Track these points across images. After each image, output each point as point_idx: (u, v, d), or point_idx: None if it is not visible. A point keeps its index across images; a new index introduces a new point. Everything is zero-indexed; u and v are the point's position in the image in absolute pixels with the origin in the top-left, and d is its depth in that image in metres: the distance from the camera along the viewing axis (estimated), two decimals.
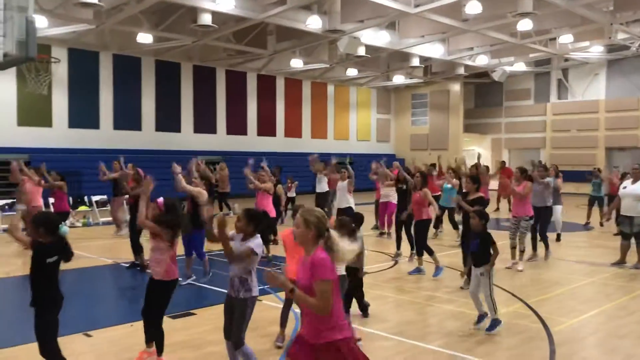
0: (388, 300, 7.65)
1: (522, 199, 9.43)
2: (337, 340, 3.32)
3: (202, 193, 8.40)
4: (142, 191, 5.28)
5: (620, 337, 6.13)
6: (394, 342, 5.89)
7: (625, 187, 9.82)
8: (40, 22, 16.25)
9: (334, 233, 3.43)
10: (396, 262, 10.25)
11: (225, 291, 7.68)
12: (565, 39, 22.67)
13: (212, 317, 6.77)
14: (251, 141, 26.83)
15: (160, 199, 5.26)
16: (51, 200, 12.04)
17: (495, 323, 6.18)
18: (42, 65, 16.58)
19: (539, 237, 10.41)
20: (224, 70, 25.91)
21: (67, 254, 4.48)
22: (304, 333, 3.45)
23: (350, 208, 11.75)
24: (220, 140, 25.70)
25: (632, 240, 9.74)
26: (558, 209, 12.00)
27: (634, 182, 9.70)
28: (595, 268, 9.89)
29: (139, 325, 5.55)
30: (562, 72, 29.41)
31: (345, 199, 11.95)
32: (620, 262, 9.90)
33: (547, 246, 10.42)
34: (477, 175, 9.05)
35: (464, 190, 8.88)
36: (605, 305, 7.44)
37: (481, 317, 6.36)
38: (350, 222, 5.80)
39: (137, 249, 9.41)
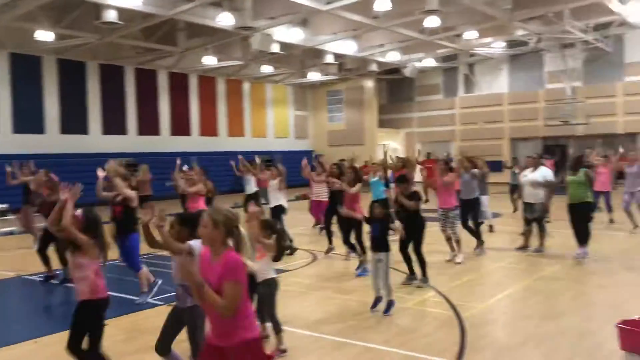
0: (307, 298, 7.65)
1: (447, 189, 9.66)
2: (248, 340, 3.27)
3: (133, 194, 7.91)
4: (72, 195, 4.63)
5: (525, 317, 6.47)
6: (312, 339, 5.88)
7: (525, 176, 10.38)
8: None
9: (242, 231, 3.37)
10: (315, 258, 10.30)
11: (135, 297, 7.50)
12: (470, 35, 23.69)
13: (127, 326, 6.49)
14: (165, 141, 26.05)
15: (79, 212, 4.65)
16: None
17: (390, 304, 6.55)
18: None
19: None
20: (133, 68, 24.98)
21: None
22: (213, 337, 3.36)
23: (281, 206, 11.62)
24: (132, 142, 24.76)
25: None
26: (484, 199, 12.36)
27: (533, 170, 10.25)
28: (503, 253, 10.40)
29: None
30: (469, 67, 30.74)
31: (276, 197, 11.79)
32: (524, 247, 10.46)
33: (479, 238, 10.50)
34: (406, 175, 9.19)
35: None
36: (512, 288, 7.83)
37: (376, 301, 6.68)
38: (276, 224, 5.65)
39: (46, 259, 8.85)
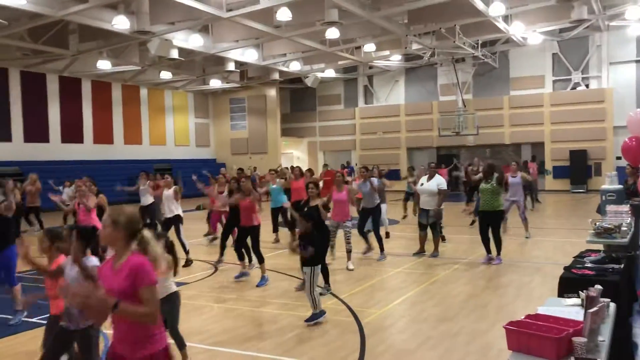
0: (206, 310, 7.46)
1: (341, 202, 9.84)
2: (157, 352, 3.11)
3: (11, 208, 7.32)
4: None
5: (422, 320, 6.71)
6: (211, 353, 5.74)
7: (422, 184, 10.85)
8: None
9: (147, 234, 3.19)
10: (216, 269, 10.09)
11: (29, 319, 6.95)
12: (369, 47, 24.46)
13: (6, 349, 5.99)
14: (55, 149, 24.54)
15: None
16: None
17: (315, 316, 6.50)
18: None
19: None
20: (18, 71, 23.32)
21: None
22: (119, 349, 3.14)
23: (178, 216, 11.26)
24: (17, 149, 23.07)
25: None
26: (383, 207, 12.77)
27: (429, 179, 10.74)
28: (401, 259, 10.75)
29: None
30: (368, 78, 31.69)
31: (173, 207, 11.38)
32: (420, 252, 10.90)
33: (381, 245, 10.80)
34: (318, 182, 9.26)
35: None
36: (410, 293, 8.10)
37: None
38: (166, 236, 5.47)
39: None
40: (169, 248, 5.13)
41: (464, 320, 6.67)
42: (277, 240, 13.01)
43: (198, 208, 20.66)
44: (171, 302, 5.13)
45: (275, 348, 5.84)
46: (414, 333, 6.25)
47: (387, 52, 26.07)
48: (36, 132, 23.93)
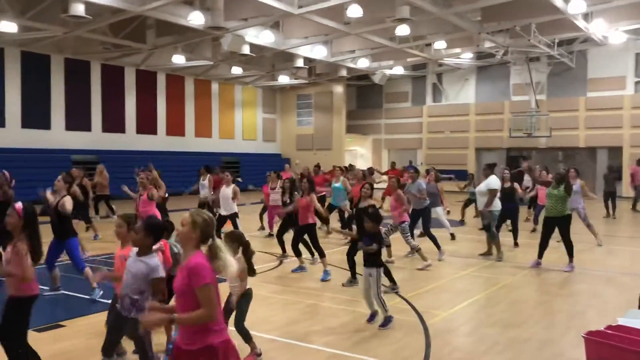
0: (272, 301, 7.59)
1: (400, 206, 9.81)
2: (212, 345, 3.23)
3: (67, 202, 7.79)
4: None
5: (489, 325, 6.56)
6: (279, 344, 5.84)
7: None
8: None
9: (220, 242, 3.33)
10: (281, 262, 10.25)
11: (102, 300, 7.33)
12: (439, 45, 24.02)
13: (84, 327, 6.33)
14: (130, 139, 25.61)
15: (19, 204, 4.57)
16: None
17: (388, 320, 6.38)
18: None
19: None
20: (99, 64, 24.47)
21: None
22: (183, 342, 3.31)
23: (235, 214, 11.54)
24: (96, 138, 24.25)
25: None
26: (439, 211, 12.65)
27: (483, 180, 10.95)
28: (466, 261, 10.55)
29: None
30: (437, 76, 31.18)
31: (229, 205, 11.65)
32: (486, 253, 10.79)
33: (436, 244, 10.67)
34: (371, 183, 9.30)
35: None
36: (476, 296, 7.93)
37: (372, 315, 6.54)
38: (242, 237, 5.39)
39: None
40: (245, 248, 5.20)
41: (533, 327, 6.47)
42: (328, 232, 13.21)
43: (263, 201, 21.02)
44: (245, 298, 5.31)
45: (340, 343, 5.86)
46: (481, 337, 6.12)
47: (458, 50, 25.54)
48: (113, 122, 25.06)
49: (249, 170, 27.28)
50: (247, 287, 5.39)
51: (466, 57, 27.42)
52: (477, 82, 30.10)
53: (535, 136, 26.81)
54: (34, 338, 5.82)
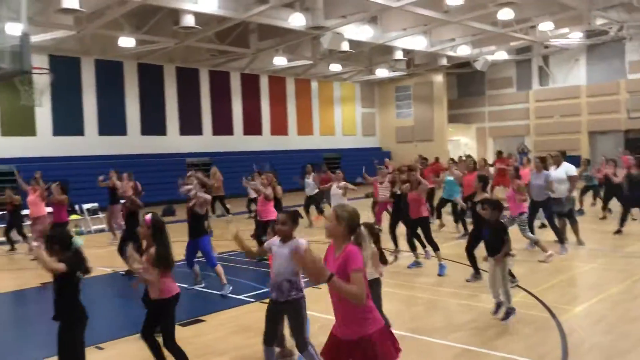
0: (393, 297, 7.67)
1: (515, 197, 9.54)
2: (370, 334, 3.38)
3: (206, 200, 8.38)
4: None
5: (629, 321, 6.23)
6: (407, 340, 5.91)
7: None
8: (18, 30, 15.98)
9: (364, 231, 3.49)
10: (395, 258, 10.29)
11: (233, 295, 7.78)
12: (545, 26, 22.86)
13: (223, 322, 6.76)
14: (238, 141, 26.72)
15: (148, 217, 4.96)
16: (49, 209, 11.85)
17: (509, 312, 6.24)
18: (27, 76, 16.30)
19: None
20: (207, 70, 25.73)
21: (86, 268, 4.45)
22: (336, 331, 3.50)
23: None
24: (207, 142, 25.55)
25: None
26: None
27: (557, 167, 10.53)
28: (592, 252, 10.04)
29: None
30: (543, 59, 29.68)
31: (340, 201, 11.89)
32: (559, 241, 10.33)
33: (559, 237, 10.29)
34: (485, 175, 9.08)
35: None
36: (610, 290, 7.54)
37: (498, 306, 6.43)
38: (373, 227, 5.50)
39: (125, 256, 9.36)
40: (376, 239, 5.37)
41: None
42: (442, 225, 13.02)
43: (367, 196, 21.14)
44: (375, 287, 5.41)
45: (469, 339, 5.83)
46: (623, 334, 5.83)
47: (566, 30, 24.17)
48: (222, 125, 26.27)
49: (350, 165, 27.51)
50: (377, 276, 5.54)
51: (575, 36, 25.89)
52: (587, 62, 28.31)
53: None
54: (180, 332, 6.30)
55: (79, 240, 4.44)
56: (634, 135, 26.66)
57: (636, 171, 11.34)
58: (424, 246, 9.56)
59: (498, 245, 6.33)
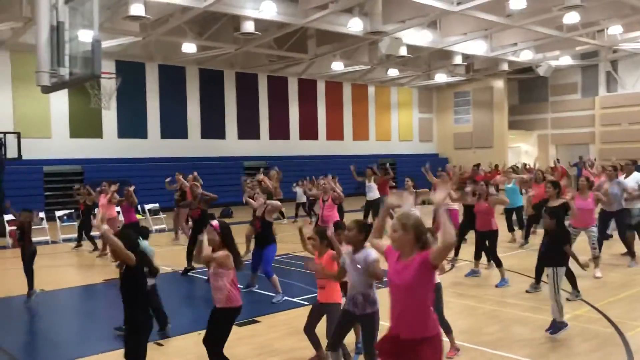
0: (450, 306, 7.53)
1: (592, 210, 9.10)
2: (433, 336, 3.50)
3: (276, 206, 8.45)
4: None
5: None
6: (466, 350, 5.80)
7: (619, 182, 10.08)
8: (89, 37, 16.79)
9: (431, 238, 3.57)
10: (452, 266, 10.12)
11: (288, 298, 7.86)
12: (614, 30, 21.95)
13: (277, 323, 6.84)
14: (294, 145, 27.00)
15: (215, 222, 4.97)
16: (117, 209, 12.36)
17: (558, 326, 5.98)
18: (96, 80, 17.05)
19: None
20: (265, 76, 26.15)
21: (153, 269, 4.55)
22: (397, 331, 3.53)
23: None
24: (264, 145, 25.94)
25: None
26: None
27: (626, 176, 10.20)
28: None
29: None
30: (611, 64, 28.51)
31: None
32: (628, 254, 9.93)
33: (630, 250, 9.93)
34: (558, 181, 8.74)
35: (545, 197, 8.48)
36: None
37: (554, 320, 6.19)
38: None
39: (191, 257, 9.60)
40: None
41: None
42: (513, 240, 12.49)
43: (424, 202, 20.87)
44: (435, 293, 5.40)
45: (530, 352, 5.66)
46: None
47: (637, 34, 23.12)
48: (279, 130, 26.62)
49: (406, 172, 27.22)
50: (438, 281, 5.46)
51: None
52: None
53: None
54: (236, 331, 6.42)
55: (144, 243, 4.57)
56: None
57: None
58: (488, 260, 9.33)
59: (555, 257, 6.07)
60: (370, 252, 4.47)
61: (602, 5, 18.85)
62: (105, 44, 18.85)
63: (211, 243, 4.88)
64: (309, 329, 5.28)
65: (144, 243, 4.58)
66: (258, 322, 6.91)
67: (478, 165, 25.62)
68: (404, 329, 3.50)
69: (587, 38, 22.79)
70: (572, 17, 18.48)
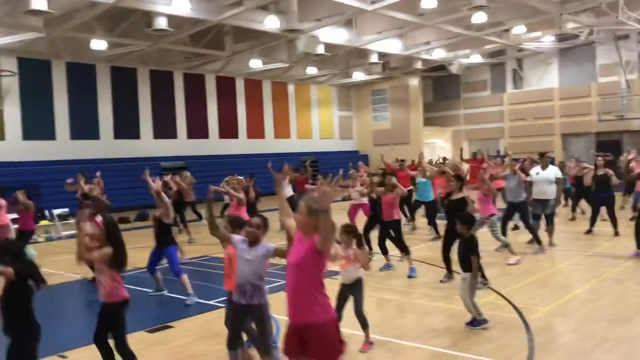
0: (366, 300, 7.63)
1: (486, 197, 9.51)
2: (328, 321, 3.58)
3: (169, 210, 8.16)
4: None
5: (594, 320, 6.29)
6: (377, 342, 5.88)
7: (537, 173, 10.50)
8: None
9: (335, 223, 3.69)
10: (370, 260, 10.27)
11: (203, 301, 7.68)
12: (518, 29, 23.17)
13: (191, 327, 6.66)
14: (213, 144, 26.51)
15: (99, 218, 4.83)
16: (14, 215, 11.58)
17: (479, 322, 6.16)
18: None
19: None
20: (181, 73, 25.50)
21: (39, 281, 4.32)
22: (291, 316, 3.62)
23: None
24: (182, 145, 25.30)
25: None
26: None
27: (543, 168, 10.53)
28: (563, 253, 10.15)
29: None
30: (517, 62, 30.06)
31: None
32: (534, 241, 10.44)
33: (536, 238, 10.34)
34: (461, 175, 9.08)
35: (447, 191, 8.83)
36: (577, 290, 7.63)
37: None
38: (356, 229, 5.79)
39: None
40: (358, 241, 5.62)
41: None
42: (413, 228, 13.09)
43: (344, 199, 21.15)
44: (358, 286, 5.63)
45: (438, 341, 5.83)
46: (588, 333, 5.89)
47: (538, 34, 24.55)
48: (198, 129, 26.05)
49: (328, 169, 27.49)
50: (360, 276, 5.68)
51: (547, 40, 26.28)
52: (560, 65, 28.75)
53: (628, 118, 25.27)
54: (147, 338, 6.23)
55: (31, 251, 4.33)
56: (604, 138, 27.14)
57: (602, 172, 11.57)
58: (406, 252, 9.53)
59: (468, 261, 6.25)
60: (269, 243, 4.63)
61: (507, 6, 19.81)
62: (5, 40, 17.74)
63: (94, 239, 4.72)
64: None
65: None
66: (171, 327, 6.70)
67: (402, 160, 26.22)
68: (295, 313, 3.58)
69: (495, 37, 23.90)
70: (479, 17, 19.28)
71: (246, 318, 4.78)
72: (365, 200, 11.42)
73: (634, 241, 9.51)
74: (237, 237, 4.69)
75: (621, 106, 25.27)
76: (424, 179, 12.88)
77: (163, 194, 8.13)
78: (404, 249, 9.05)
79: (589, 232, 11.95)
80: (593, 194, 12.39)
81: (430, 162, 17.41)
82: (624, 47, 25.57)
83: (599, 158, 12.22)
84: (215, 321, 6.84)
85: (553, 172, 10.56)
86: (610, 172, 11.93)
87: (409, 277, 8.74)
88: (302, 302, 3.54)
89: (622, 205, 14.91)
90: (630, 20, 21.44)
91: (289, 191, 14.96)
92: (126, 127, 23.51)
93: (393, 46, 24.39)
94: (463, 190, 8.32)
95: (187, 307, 7.54)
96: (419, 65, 27.47)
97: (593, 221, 11.96)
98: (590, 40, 25.83)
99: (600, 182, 11.75)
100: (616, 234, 11.48)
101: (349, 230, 5.66)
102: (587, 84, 27.60)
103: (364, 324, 5.65)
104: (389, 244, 9.32)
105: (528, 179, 10.51)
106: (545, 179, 10.43)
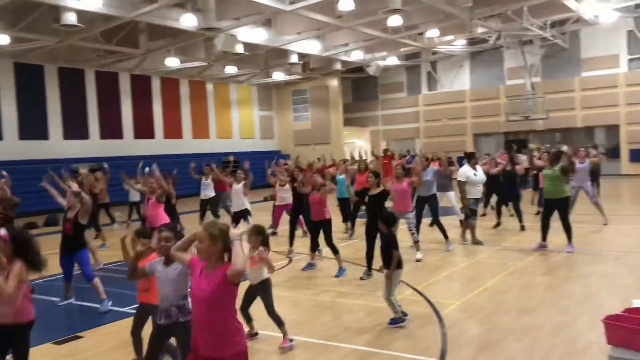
0: (285, 300, 7.63)
1: (402, 194, 9.70)
2: (240, 352, 3.37)
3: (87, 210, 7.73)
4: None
5: (503, 312, 6.61)
6: (296, 343, 5.87)
7: (475, 174, 10.94)
8: None
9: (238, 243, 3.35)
10: (290, 260, 10.29)
11: (117, 308, 7.37)
12: (432, 33, 24.02)
13: (103, 337, 6.37)
14: (128, 145, 25.61)
15: (3, 232, 4.15)
16: None
17: (397, 320, 6.24)
18: None
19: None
20: (93, 71, 24.44)
21: None
22: (204, 349, 3.36)
23: (246, 210, 11.70)
24: (94, 146, 24.24)
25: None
26: (451, 195, 12.45)
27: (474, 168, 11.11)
28: (474, 248, 10.60)
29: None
30: (431, 64, 31.16)
31: (241, 201, 11.80)
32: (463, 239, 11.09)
33: (444, 233, 10.61)
34: (378, 172, 9.22)
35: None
36: (487, 284, 7.98)
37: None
38: (264, 231, 5.79)
39: None
40: (265, 242, 5.63)
41: (547, 312, 6.53)
42: (348, 230, 13.04)
43: (265, 199, 21.06)
44: (265, 287, 5.67)
45: (357, 339, 5.91)
46: (496, 325, 6.17)
47: (451, 37, 25.56)
48: (111, 129, 25.06)
49: (249, 169, 27.29)
50: (267, 276, 5.73)
51: (459, 44, 27.44)
52: (471, 68, 30.12)
53: (533, 119, 26.86)
54: (53, 351, 5.89)
55: None
56: (512, 137, 28.69)
57: (508, 168, 12.22)
58: (316, 247, 9.54)
59: (389, 259, 6.34)
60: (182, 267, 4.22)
61: (421, 10, 20.46)
62: None
63: (3, 252, 4.09)
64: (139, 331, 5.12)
65: None
66: (81, 337, 6.37)
67: (319, 159, 26.32)
68: (209, 347, 3.32)
69: (410, 40, 24.63)
70: (395, 20, 19.77)
71: (169, 337, 4.54)
72: (289, 200, 11.56)
73: (539, 234, 10.08)
74: (151, 265, 4.35)
75: (527, 107, 26.78)
76: (342, 176, 13.04)
77: (83, 194, 7.71)
78: (334, 249, 9.04)
79: (497, 225, 12.60)
80: (501, 188, 13.02)
81: (352, 157, 17.74)
82: (528, 51, 27.17)
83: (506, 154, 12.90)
84: (129, 329, 6.58)
85: (480, 171, 11.08)
86: (519, 166, 12.65)
87: (336, 276, 8.78)
88: (220, 336, 3.31)
89: (532, 200, 15.66)
90: (533, 27, 22.82)
91: (210, 192, 14.76)
92: (32, 127, 22.24)
93: (312, 47, 24.57)
94: (380, 185, 8.54)
95: (100, 314, 7.21)
96: (338, 66, 27.85)
97: (499, 214, 12.79)
98: (498, 44, 27.22)
99: (505, 178, 12.41)
100: (522, 228, 12.13)
101: (258, 231, 5.64)
102: (496, 86, 29.07)
103: (279, 322, 5.71)
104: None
105: (467, 179, 10.83)
106: (481, 178, 11.01)
